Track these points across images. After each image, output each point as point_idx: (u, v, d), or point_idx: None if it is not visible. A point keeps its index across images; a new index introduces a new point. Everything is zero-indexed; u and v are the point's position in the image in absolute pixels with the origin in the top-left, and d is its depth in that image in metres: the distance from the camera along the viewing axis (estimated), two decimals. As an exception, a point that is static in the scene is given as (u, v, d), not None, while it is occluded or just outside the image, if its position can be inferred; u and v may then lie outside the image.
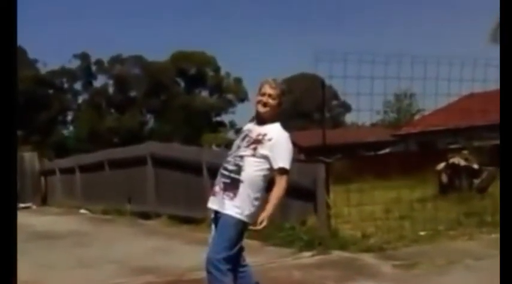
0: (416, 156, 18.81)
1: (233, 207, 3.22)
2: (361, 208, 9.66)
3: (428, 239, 6.72)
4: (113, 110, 39.72)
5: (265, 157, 3.26)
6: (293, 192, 6.69)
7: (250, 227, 3.27)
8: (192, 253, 6.26)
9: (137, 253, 6.43)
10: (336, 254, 5.85)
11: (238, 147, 3.35)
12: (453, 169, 10.70)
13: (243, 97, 40.01)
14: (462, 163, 10.67)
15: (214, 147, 40.40)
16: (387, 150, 24.91)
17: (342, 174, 13.75)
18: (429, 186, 11.50)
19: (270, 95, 3.34)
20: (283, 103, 3.43)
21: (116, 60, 39.62)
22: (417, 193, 11.89)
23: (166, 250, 6.68)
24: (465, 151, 11.44)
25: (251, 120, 3.56)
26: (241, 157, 3.28)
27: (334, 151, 20.57)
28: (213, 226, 3.38)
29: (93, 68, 41.61)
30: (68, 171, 13.98)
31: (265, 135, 3.30)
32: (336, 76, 6.41)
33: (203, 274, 4.94)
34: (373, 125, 38.06)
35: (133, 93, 39.45)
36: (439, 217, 8.33)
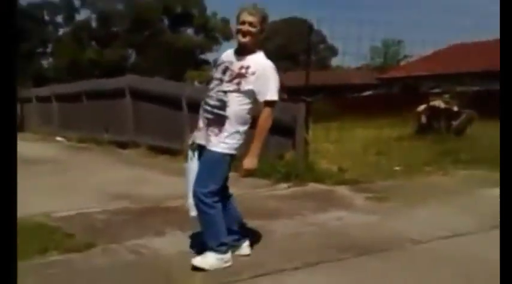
0: (398, 98, 18.80)
1: (219, 142, 3.16)
2: (340, 144, 9.81)
3: (404, 175, 6.83)
4: (94, 43, 38.64)
5: (250, 92, 3.15)
6: (274, 128, 6.72)
7: (244, 169, 3.24)
8: (168, 182, 6.30)
9: (115, 181, 6.41)
10: (312, 186, 5.93)
11: (220, 81, 3.19)
12: (433, 111, 10.77)
13: (229, 37, 39.18)
14: (442, 105, 10.73)
15: (196, 84, 40.06)
16: (370, 92, 24.87)
17: (324, 113, 13.78)
18: (409, 127, 11.61)
19: (250, 23, 3.13)
20: (265, 31, 3.23)
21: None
22: (397, 132, 12.05)
23: (143, 178, 6.68)
24: (446, 95, 11.46)
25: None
26: (225, 92, 3.16)
27: (318, 92, 20.52)
28: (194, 157, 3.29)
29: (76, 2, 40.13)
30: (45, 99, 13.72)
31: (248, 67, 3.14)
32: (325, 20, 6.29)
33: (179, 202, 5.02)
34: (358, 69, 37.95)
35: (116, 28, 38.29)
36: (415, 155, 8.48)
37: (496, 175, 6.43)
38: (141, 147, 9.18)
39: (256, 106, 3.22)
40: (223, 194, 3.33)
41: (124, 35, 37.00)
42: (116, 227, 4.18)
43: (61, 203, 4.93)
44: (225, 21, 38.89)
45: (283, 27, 38.47)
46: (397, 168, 7.21)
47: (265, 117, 3.17)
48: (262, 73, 3.14)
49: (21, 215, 2.90)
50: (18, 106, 15.11)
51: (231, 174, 6.94)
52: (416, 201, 5.06)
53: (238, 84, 3.14)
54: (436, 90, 17.81)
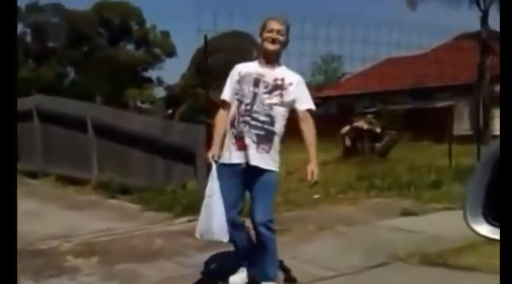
0: (335, 119, 18.98)
1: (272, 161, 3.11)
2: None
3: (320, 203, 6.69)
4: (30, 61, 37.13)
5: (291, 103, 3.15)
6: (175, 153, 6.47)
7: (313, 177, 3.15)
8: (62, 218, 5.89)
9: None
10: (214, 219, 5.62)
11: (255, 95, 3.08)
12: (356, 132, 10.80)
13: (171, 52, 38.55)
14: (365, 126, 10.79)
15: (139, 103, 39.15)
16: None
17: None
18: (339, 149, 11.59)
19: (278, 31, 3.12)
20: (288, 42, 3.25)
21: (34, 7, 36.78)
22: (328, 155, 12.00)
23: (37, 213, 6.17)
24: (370, 115, 11.56)
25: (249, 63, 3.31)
26: (270, 106, 3.09)
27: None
28: (216, 185, 3.06)
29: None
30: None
31: (283, 79, 3.13)
32: None
33: (55, 243, 4.62)
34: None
35: (52, 43, 36.97)
36: (335, 180, 8.37)
37: (403, 203, 6.44)
38: (51, 177, 8.63)
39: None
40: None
41: (61, 51, 35.76)
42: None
43: None
44: (165, 34, 38.30)
45: (226, 42, 38.39)
46: (316, 196, 7.06)
47: (312, 124, 3.21)
48: (299, 83, 3.19)
49: None
50: None
51: (135, 207, 6.54)
52: (312, 234, 4.88)
53: (281, 96, 3.10)
54: (371, 110, 18.11)
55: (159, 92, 39.63)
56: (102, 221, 5.59)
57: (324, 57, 35.30)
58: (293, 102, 3.16)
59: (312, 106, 3.23)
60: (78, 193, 7.54)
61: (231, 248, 4.29)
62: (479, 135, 8.89)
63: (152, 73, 40.36)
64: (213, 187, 3.07)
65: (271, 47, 3.12)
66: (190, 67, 32.98)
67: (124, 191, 7.03)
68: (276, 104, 3.11)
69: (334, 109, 23.96)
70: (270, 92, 3.10)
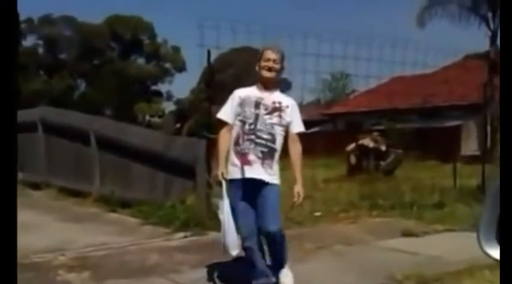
0: (342, 136, 18.91)
1: (274, 175, 3.40)
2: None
3: (322, 221, 6.61)
4: (42, 72, 37.54)
5: (287, 124, 3.46)
6: (175, 168, 6.44)
7: (299, 197, 3.43)
8: (60, 231, 5.86)
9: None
10: (212, 235, 5.53)
11: (257, 115, 3.39)
12: (361, 150, 10.73)
13: (181, 67, 38.78)
14: (371, 144, 10.72)
15: (147, 117, 39.33)
16: (316, 129, 24.96)
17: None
18: (344, 167, 11.50)
19: (274, 60, 3.44)
20: (284, 69, 3.60)
21: (46, 19, 37.31)
22: (333, 173, 11.90)
23: (35, 226, 6.14)
24: (376, 133, 11.49)
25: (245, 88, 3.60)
26: (272, 125, 3.40)
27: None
28: (227, 202, 3.35)
29: (22, 26, 38.96)
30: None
31: (280, 102, 3.46)
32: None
33: (49, 257, 4.59)
34: (308, 104, 38.23)
35: (63, 56, 37.39)
36: (338, 198, 8.29)
37: (405, 224, 6.34)
38: (53, 188, 8.64)
39: None
40: None
41: (72, 63, 36.16)
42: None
43: None
44: (176, 49, 38.57)
45: (236, 58, 38.58)
46: (317, 214, 6.99)
47: (300, 147, 3.53)
48: (293, 107, 3.52)
49: None
50: None
51: (133, 221, 6.50)
52: (309, 253, 4.80)
53: (280, 117, 3.43)
54: (378, 127, 18.02)
55: (169, 106, 39.78)
56: (100, 235, 5.55)
57: (333, 75, 35.35)
58: (289, 123, 3.48)
59: (303, 129, 3.55)
60: (79, 205, 7.53)
61: (223, 267, 4.26)
62: (485, 155, 8.79)
63: (162, 88, 40.64)
64: (224, 204, 3.35)
65: (268, 74, 3.46)
66: (199, 81, 33.16)
67: (124, 204, 7.01)
68: (276, 124, 3.42)
69: (342, 126, 23.92)
70: (270, 113, 3.42)
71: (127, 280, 3.93)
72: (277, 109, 3.44)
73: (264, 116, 3.40)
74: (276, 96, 3.50)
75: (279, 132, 3.43)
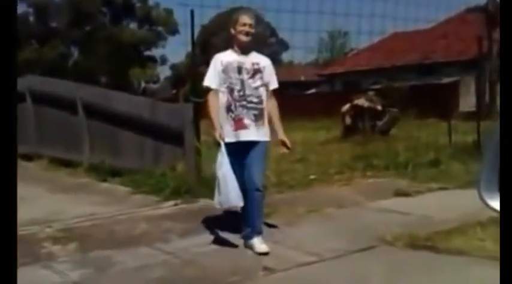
0: (340, 96, 18.70)
1: (265, 133, 3.70)
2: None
3: (317, 184, 6.53)
4: (33, 41, 36.86)
5: (267, 83, 3.72)
6: (163, 134, 6.30)
7: (286, 145, 3.77)
8: (49, 203, 5.80)
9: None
10: (203, 203, 5.45)
11: (241, 80, 3.60)
12: (356, 110, 10.56)
13: (174, 30, 38.02)
14: (366, 104, 10.55)
15: (143, 83, 38.95)
16: (314, 90, 24.72)
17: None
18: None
19: (250, 25, 3.65)
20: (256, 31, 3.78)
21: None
22: (329, 134, 11.77)
23: (24, 197, 6.05)
24: (371, 92, 11.29)
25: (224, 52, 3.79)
26: (257, 88, 3.65)
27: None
28: (226, 159, 3.51)
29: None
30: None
31: (258, 63, 3.70)
32: (270, 10, 6.01)
33: (35, 230, 4.52)
34: (308, 64, 37.71)
35: (54, 23, 36.64)
36: (333, 160, 8.20)
37: (398, 183, 6.26)
38: (45, 159, 8.54)
39: None
40: None
41: (64, 31, 35.46)
42: None
43: None
44: (168, 12, 37.76)
45: (230, 19, 37.74)
46: (312, 177, 6.90)
47: (275, 101, 3.81)
48: (269, 65, 3.77)
49: None
50: None
51: (124, 190, 6.41)
52: (300, 217, 4.73)
53: (261, 78, 3.68)
54: (376, 86, 17.77)
55: (163, 71, 39.33)
56: (89, 205, 5.47)
57: (330, 33, 34.77)
58: (268, 83, 3.75)
59: (276, 86, 3.81)
60: (70, 175, 7.45)
61: (212, 233, 4.20)
62: (482, 111, 8.63)
63: (156, 52, 40.02)
64: (224, 161, 3.51)
65: (245, 38, 3.66)
66: (194, 45, 32.64)
67: (115, 173, 6.92)
68: (260, 86, 3.69)
69: (339, 86, 23.65)
70: (252, 77, 3.66)
71: (113, 250, 3.86)
72: (257, 71, 3.69)
73: (248, 80, 3.64)
74: (253, 58, 3.73)
75: (263, 93, 3.71)
